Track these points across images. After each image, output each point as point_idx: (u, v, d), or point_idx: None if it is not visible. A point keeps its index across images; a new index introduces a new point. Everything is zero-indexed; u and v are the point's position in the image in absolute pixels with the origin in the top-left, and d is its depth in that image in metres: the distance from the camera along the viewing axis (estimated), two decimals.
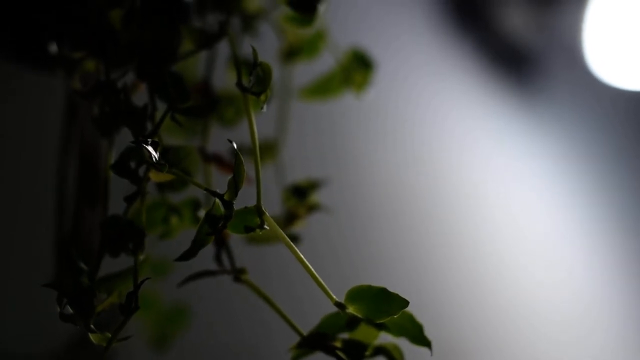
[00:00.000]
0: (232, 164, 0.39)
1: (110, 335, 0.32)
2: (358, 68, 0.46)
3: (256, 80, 0.35)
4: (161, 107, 0.37)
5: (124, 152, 0.35)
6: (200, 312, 0.56)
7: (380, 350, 0.35)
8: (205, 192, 0.34)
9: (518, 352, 0.95)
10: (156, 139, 0.34)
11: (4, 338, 0.54)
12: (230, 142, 0.33)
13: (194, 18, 0.42)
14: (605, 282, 1.15)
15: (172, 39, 0.38)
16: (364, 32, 0.87)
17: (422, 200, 0.93)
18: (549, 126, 1.18)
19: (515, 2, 1.11)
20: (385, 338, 0.36)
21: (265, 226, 0.33)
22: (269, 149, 0.47)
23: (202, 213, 0.38)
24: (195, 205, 0.39)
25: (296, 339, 0.35)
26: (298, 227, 0.43)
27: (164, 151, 0.35)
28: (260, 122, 0.36)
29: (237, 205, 0.33)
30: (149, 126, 0.36)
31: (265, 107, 0.35)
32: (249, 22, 0.43)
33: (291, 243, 0.33)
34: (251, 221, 0.33)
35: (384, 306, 0.33)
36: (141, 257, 0.34)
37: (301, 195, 0.43)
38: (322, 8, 0.40)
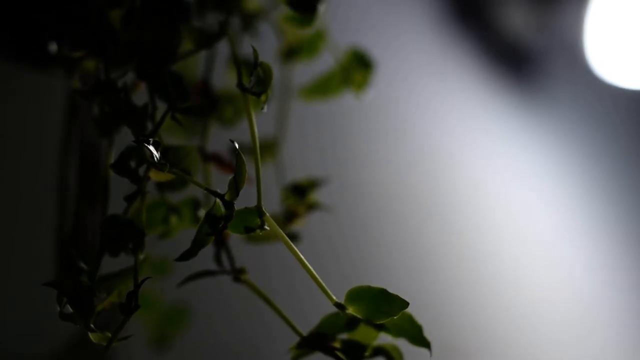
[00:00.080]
0: (232, 164, 0.39)
1: (110, 335, 0.32)
2: (358, 68, 0.46)
3: (256, 80, 0.35)
4: (161, 106, 0.37)
5: (124, 152, 0.35)
6: (200, 311, 0.56)
7: (379, 350, 0.35)
8: (204, 191, 0.34)
9: (518, 352, 0.95)
10: (157, 139, 0.34)
11: (4, 338, 0.54)
12: (232, 142, 0.33)
13: (194, 18, 0.42)
14: (605, 282, 1.15)
15: (172, 39, 0.38)
16: (364, 32, 0.87)
17: (422, 199, 0.93)
18: (549, 125, 1.18)
19: (515, 1, 1.11)
20: (384, 339, 0.36)
21: (266, 227, 0.33)
22: (268, 147, 0.47)
23: (201, 213, 0.38)
24: (195, 204, 0.39)
25: (296, 339, 0.35)
26: (297, 226, 0.43)
27: (164, 151, 0.35)
28: (260, 121, 0.36)
29: (237, 204, 0.33)
30: (149, 126, 0.36)
31: (265, 107, 0.35)
32: (249, 21, 0.43)
33: (291, 244, 0.33)
34: (252, 222, 0.33)
35: (383, 307, 0.33)
36: (141, 257, 0.34)
37: (301, 194, 0.43)
38: (322, 8, 0.40)
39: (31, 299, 0.50)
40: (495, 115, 1.09)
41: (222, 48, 0.41)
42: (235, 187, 0.32)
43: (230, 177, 0.33)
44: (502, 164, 1.07)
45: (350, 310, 0.33)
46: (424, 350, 0.35)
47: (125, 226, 0.35)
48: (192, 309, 0.53)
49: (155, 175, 0.34)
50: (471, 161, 1.02)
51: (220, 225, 0.32)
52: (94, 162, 0.45)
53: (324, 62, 0.47)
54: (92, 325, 0.32)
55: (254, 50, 0.34)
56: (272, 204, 0.36)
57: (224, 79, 0.46)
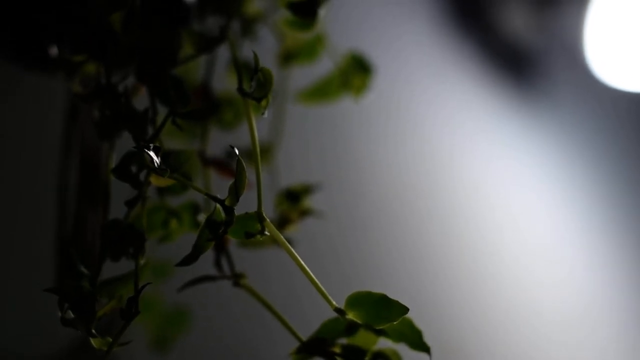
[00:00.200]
0: (232, 168, 0.39)
1: (111, 340, 0.33)
2: (357, 72, 0.46)
3: (257, 85, 0.35)
4: (161, 110, 0.37)
5: (125, 157, 0.35)
6: (201, 315, 0.56)
7: (379, 355, 0.35)
8: (204, 195, 0.34)
9: (519, 352, 0.95)
10: (157, 144, 0.34)
11: (4, 339, 0.54)
12: (232, 148, 0.33)
13: (194, 22, 0.43)
14: (605, 283, 1.15)
15: (172, 43, 0.38)
16: (365, 33, 0.87)
17: (423, 201, 0.93)
18: (549, 127, 1.18)
19: (516, 3, 1.11)
20: (384, 343, 0.36)
21: (266, 232, 0.33)
22: (263, 152, 0.47)
23: (201, 217, 0.38)
24: (195, 209, 0.39)
25: (296, 343, 0.35)
26: (290, 232, 0.43)
27: (164, 156, 0.35)
28: (256, 125, 0.36)
29: (236, 209, 0.33)
30: (150, 130, 0.36)
31: (266, 112, 0.35)
32: (249, 25, 0.43)
33: (291, 249, 0.33)
34: (252, 227, 0.33)
35: (383, 312, 0.33)
36: (142, 261, 0.34)
37: (294, 200, 0.43)
38: (322, 12, 0.40)
39: (31, 300, 0.51)
40: (495, 117, 1.09)
41: (223, 52, 0.41)
42: (236, 192, 0.32)
43: (230, 181, 0.33)
44: (502, 166, 1.07)
45: (350, 316, 0.33)
46: (424, 355, 0.35)
47: (126, 230, 0.35)
48: (192, 312, 0.53)
49: (156, 181, 0.34)
50: (471, 162, 1.02)
51: (221, 231, 0.33)
52: (94, 164, 0.45)
53: (323, 66, 0.47)
54: (93, 331, 0.32)
55: (255, 56, 0.34)
56: (265, 209, 0.36)
57: (224, 82, 0.46)
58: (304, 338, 0.35)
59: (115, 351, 0.33)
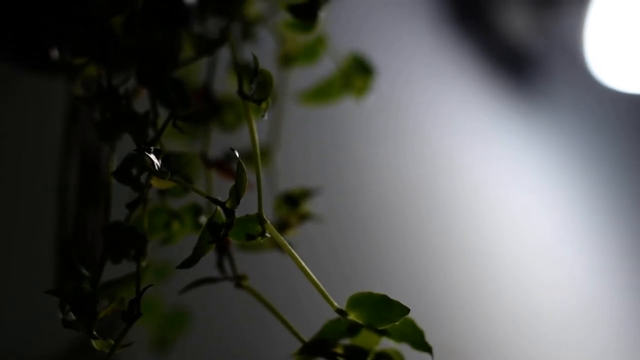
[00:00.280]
0: (234, 170, 0.39)
1: (112, 342, 0.33)
2: (358, 73, 0.46)
3: (257, 87, 0.35)
4: (162, 113, 0.37)
5: (126, 159, 0.35)
6: (202, 316, 0.56)
7: (381, 355, 0.35)
8: (205, 198, 0.34)
9: (519, 352, 0.95)
10: (158, 147, 0.34)
11: (5, 341, 0.54)
12: (233, 150, 0.33)
13: (195, 24, 0.43)
14: (605, 284, 1.15)
15: (173, 45, 0.38)
16: (365, 34, 0.87)
17: (423, 202, 0.93)
18: (549, 128, 1.18)
19: (516, 5, 1.11)
20: (386, 343, 0.36)
21: (267, 234, 0.33)
22: (262, 154, 0.47)
23: (203, 219, 0.38)
24: (196, 210, 0.39)
25: (297, 344, 0.35)
26: (290, 236, 0.43)
27: (165, 158, 0.35)
28: (257, 127, 0.37)
29: (237, 211, 0.33)
30: (151, 132, 0.36)
31: (266, 114, 0.35)
32: (250, 28, 0.43)
33: (293, 251, 0.33)
34: (252, 229, 0.33)
35: (385, 313, 0.33)
36: (143, 264, 0.34)
37: (293, 204, 0.43)
38: (322, 14, 0.40)
39: (31, 300, 0.51)
40: (495, 118, 1.09)
41: (224, 54, 0.41)
42: (236, 195, 0.32)
43: (232, 183, 0.33)
44: (502, 166, 1.07)
45: (352, 316, 0.33)
46: (426, 355, 0.35)
47: (127, 232, 0.35)
48: (193, 313, 0.53)
49: (156, 183, 0.34)
50: (471, 163, 1.02)
51: (222, 233, 0.33)
52: (94, 165, 0.45)
53: (324, 67, 0.47)
54: (94, 333, 0.33)
55: (255, 58, 0.35)
56: (266, 212, 0.36)
57: (225, 84, 0.46)
58: (306, 339, 0.35)
59: (116, 352, 0.33)
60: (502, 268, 0.99)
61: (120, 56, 0.38)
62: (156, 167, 0.33)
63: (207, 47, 0.40)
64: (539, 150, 1.15)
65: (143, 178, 0.35)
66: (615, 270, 1.18)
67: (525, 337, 0.97)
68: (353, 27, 0.83)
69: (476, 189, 1.01)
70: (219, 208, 0.33)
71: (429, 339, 0.35)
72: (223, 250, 0.38)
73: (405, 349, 0.36)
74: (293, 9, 0.39)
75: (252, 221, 0.33)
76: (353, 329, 0.35)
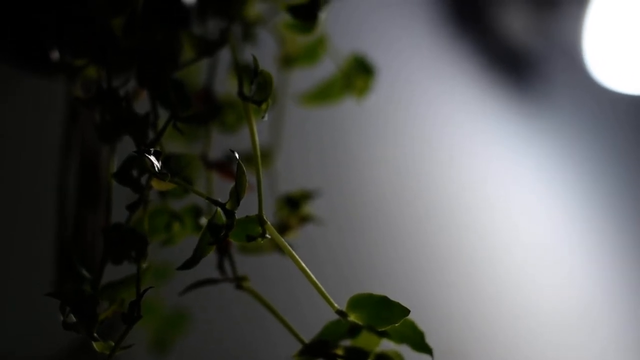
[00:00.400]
0: (234, 171, 0.39)
1: (113, 344, 0.33)
2: (359, 73, 0.46)
3: (257, 88, 0.35)
4: (163, 114, 0.37)
5: (126, 161, 0.35)
6: (201, 317, 0.56)
7: (381, 357, 0.35)
8: (205, 199, 0.34)
9: (519, 354, 0.95)
10: (158, 148, 0.34)
11: (5, 341, 0.54)
12: (232, 152, 0.33)
13: (195, 25, 0.43)
14: (605, 284, 1.15)
15: (173, 46, 0.38)
16: (364, 36, 0.87)
17: (423, 204, 0.93)
18: (549, 129, 1.18)
19: (515, 6, 1.11)
20: (387, 345, 0.36)
21: (267, 235, 0.33)
22: (263, 156, 0.47)
23: (203, 220, 0.38)
24: (197, 212, 0.39)
25: (297, 345, 0.35)
26: (290, 238, 0.43)
27: (166, 159, 0.35)
28: (257, 128, 0.37)
29: (237, 212, 0.33)
30: (151, 134, 0.36)
31: (266, 115, 0.35)
32: (250, 29, 0.43)
33: (293, 252, 0.33)
34: (253, 230, 0.33)
35: (385, 314, 0.33)
36: (144, 265, 0.34)
37: (293, 206, 0.43)
38: (322, 16, 0.40)
39: (31, 300, 0.50)
40: (494, 119, 1.09)
41: (224, 55, 0.41)
42: (236, 196, 0.32)
43: (232, 184, 0.33)
44: (502, 168, 1.07)
45: (352, 318, 0.34)
46: (426, 356, 0.35)
47: (128, 234, 0.35)
48: (193, 314, 0.53)
49: (157, 185, 0.34)
50: (471, 164, 1.02)
51: (222, 234, 0.33)
52: (94, 165, 0.45)
53: (325, 68, 0.47)
54: (95, 334, 0.33)
55: (255, 59, 0.35)
56: (266, 214, 0.36)
57: (226, 85, 0.46)
58: (306, 340, 0.35)
59: (117, 354, 0.33)
60: (501, 269, 0.99)
61: (120, 57, 0.38)
62: (156, 168, 0.33)
63: (208, 48, 0.40)
64: (538, 151, 1.15)
65: (143, 179, 0.35)
66: (615, 270, 1.18)
67: (525, 338, 0.97)
68: (353, 28, 0.83)
69: (476, 189, 1.01)
70: (219, 209, 0.33)
71: (429, 340, 0.35)
72: (223, 252, 0.38)
73: (405, 350, 0.36)
74: (293, 10, 0.40)
75: (252, 222, 0.33)
76: (353, 330, 0.35)
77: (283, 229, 0.43)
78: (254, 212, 0.33)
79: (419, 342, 0.35)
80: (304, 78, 0.48)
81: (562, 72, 1.21)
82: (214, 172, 0.42)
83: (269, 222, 0.33)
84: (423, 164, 0.95)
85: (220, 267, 0.38)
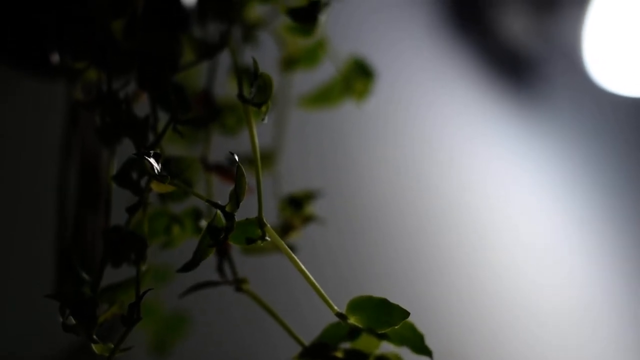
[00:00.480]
0: (234, 173, 0.39)
1: (112, 346, 0.33)
2: (359, 76, 0.46)
3: (257, 91, 0.35)
4: (162, 117, 0.37)
5: (126, 163, 0.35)
6: (201, 319, 0.56)
7: (381, 359, 0.35)
8: (205, 202, 0.34)
9: (519, 355, 0.95)
10: (158, 151, 0.34)
11: (5, 341, 0.54)
12: (232, 154, 0.33)
13: (195, 28, 0.43)
14: (604, 285, 1.15)
15: (173, 49, 0.38)
16: (364, 38, 0.87)
17: (423, 205, 0.93)
18: (549, 131, 1.18)
19: (515, 8, 1.11)
20: (386, 347, 0.36)
21: (267, 238, 0.33)
22: (266, 158, 0.48)
23: (203, 223, 0.38)
24: (197, 215, 0.39)
25: (297, 348, 0.35)
26: (293, 238, 0.43)
27: (165, 162, 0.35)
28: (259, 130, 0.37)
29: (238, 215, 0.33)
30: (151, 136, 0.37)
31: (266, 118, 0.35)
32: (250, 31, 0.43)
33: (293, 255, 0.33)
34: (252, 233, 0.33)
35: (385, 317, 0.33)
36: (143, 267, 0.35)
37: (297, 206, 0.43)
38: (322, 18, 0.40)
39: (31, 301, 0.51)
40: (494, 121, 1.09)
41: (224, 58, 0.41)
42: (236, 198, 0.33)
43: (232, 187, 0.33)
44: (502, 169, 1.07)
45: (352, 320, 0.34)
46: (426, 358, 0.35)
47: (128, 237, 0.35)
48: (192, 317, 0.53)
49: (156, 187, 0.34)
50: (471, 166, 1.02)
51: (222, 237, 0.33)
52: (94, 168, 0.45)
53: (325, 71, 0.47)
54: (94, 336, 0.33)
55: (255, 62, 0.35)
56: (268, 215, 0.36)
57: (226, 88, 0.46)
58: (306, 343, 0.35)
59: (116, 356, 0.33)
60: (501, 270, 0.99)
61: (120, 60, 0.38)
62: (156, 171, 0.33)
63: (208, 51, 0.40)
64: (538, 152, 1.15)
65: (143, 182, 0.35)
66: (615, 271, 1.18)
67: (525, 339, 0.97)
68: (353, 30, 0.83)
69: (476, 191, 1.01)
70: (219, 212, 0.33)
71: (429, 342, 0.35)
72: (223, 254, 0.38)
73: (405, 352, 0.36)
74: (293, 13, 0.40)
75: (252, 225, 0.33)
76: (353, 333, 0.35)
77: (286, 229, 0.43)
78: (254, 214, 0.33)
79: (418, 344, 0.35)
80: (306, 80, 0.48)
81: (561, 74, 1.21)
82: (213, 174, 0.42)
83: (268, 225, 0.33)
84: (423, 165, 0.95)
85: (220, 269, 0.38)
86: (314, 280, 0.33)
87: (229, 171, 0.41)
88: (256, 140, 0.35)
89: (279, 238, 0.33)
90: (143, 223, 0.35)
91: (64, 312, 0.33)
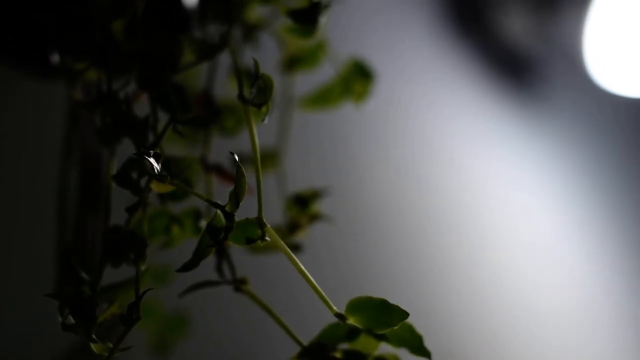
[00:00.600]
0: (233, 175, 0.39)
1: (111, 345, 0.33)
2: (358, 78, 0.46)
3: (257, 91, 0.35)
4: (162, 117, 0.37)
5: (126, 163, 0.35)
6: (201, 320, 0.56)
7: None
8: (205, 201, 0.34)
9: (519, 355, 0.95)
10: (158, 151, 0.34)
11: (5, 342, 0.54)
12: (232, 154, 0.33)
13: (195, 29, 0.43)
14: (604, 285, 1.15)
15: (173, 50, 0.38)
16: (364, 39, 0.87)
17: (423, 206, 0.93)
18: (549, 132, 1.18)
19: (515, 9, 1.11)
20: (385, 348, 0.36)
21: (267, 237, 0.33)
22: (270, 157, 0.48)
23: (203, 223, 0.38)
24: (197, 215, 0.39)
25: (296, 348, 0.35)
26: (300, 237, 0.43)
27: (165, 162, 0.35)
28: (261, 131, 0.37)
29: (239, 214, 0.33)
30: (151, 136, 0.37)
31: (266, 118, 0.35)
32: (250, 32, 0.44)
33: (292, 255, 0.33)
34: (252, 233, 0.33)
35: (384, 317, 0.33)
36: (142, 267, 0.35)
37: (303, 205, 0.43)
38: (323, 19, 0.40)
39: (31, 301, 0.51)
40: (494, 122, 1.09)
41: (224, 58, 0.41)
42: (236, 198, 0.33)
43: (231, 187, 0.33)
44: (502, 170, 1.07)
45: (351, 321, 0.34)
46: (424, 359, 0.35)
47: (127, 236, 0.35)
48: (192, 317, 0.53)
49: (156, 187, 0.34)
50: (471, 167, 1.02)
51: (221, 237, 0.33)
52: (94, 169, 0.45)
53: (324, 72, 0.47)
54: (93, 336, 0.33)
55: (255, 63, 0.35)
56: (274, 214, 0.37)
57: (226, 88, 0.46)
58: (305, 343, 0.35)
59: (116, 355, 0.33)
60: (501, 270, 0.99)
61: (120, 60, 0.38)
62: (156, 170, 0.33)
63: (208, 51, 0.40)
64: (538, 153, 1.15)
65: (143, 182, 0.35)
66: (615, 271, 1.18)
67: (525, 339, 0.97)
68: (353, 31, 0.83)
69: (476, 191, 1.01)
70: (218, 212, 0.33)
71: (428, 343, 0.35)
72: (222, 254, 0.38)
73: (403, 353, 0.36)
74: (294, 14, 0.40)
75: (252, 225, 0.33)
76: (352, 334, 0.35)
77: (293, 228, 0.43)
78: (255, 214, 0.33)
79: (417, 345, 0.35)
80: (304, 82, 0.48)
81: (562, 74, 1.21)
82: (213, 175, 0.42)
83: (268, 225, 0.33)
84: (423, 165, 0.95)
85: (219, 269, 0.38)
86: (313, 281, 0.33)
87: (229, 172, 0.41)
88: (256, 141, 0.35)
89: (278, 238, 0.33)
90: (143, 223, 0.35)
91: (63, 311, 0.33)
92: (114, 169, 0.36)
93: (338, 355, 0.35)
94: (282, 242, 0.34)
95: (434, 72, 1.01)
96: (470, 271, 0.95)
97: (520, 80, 1.16)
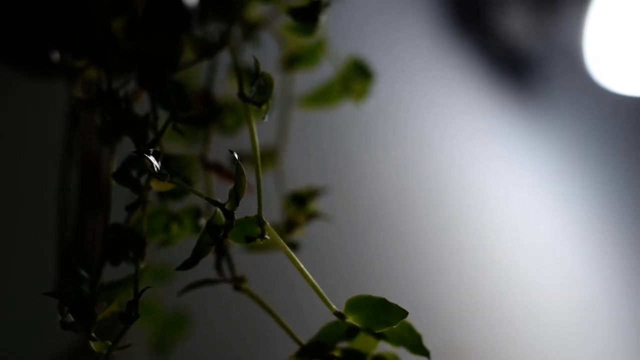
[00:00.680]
0: (232, 173, 0.39)
1: (110, 344, 0.33)
2: (357, 77, 0.46)
3: (258, 90, 0.35)
4: (162, 115, 0.37)
5: (126, 161, 0.35)
6: (201, 318, 0.56)
7: (379, 359, 0.35)
8: (205, 200, 0.34)
9: (518, 355, 0.95)
10: (158, 149, 0.34)
11: (5, 342, 0.54)
12: (232, 152, 0.33)
13: (196, 27, 0.43)
14: (605, 284, 1.15)
15: (173, 48, 0.38)
16: (364, 38, 0.87)
17: (423, 205, 0.93)
18: (549, 131, 1.18)
19: (515, 8, 1.11)
20: (384, 347, 0.36)
21: (266, 236, 0.33)
22: (269, 156, 0.48)
23: (202, 221, 0.38)
24: (196, 213, 0.39)
25: (295, 347, 0.35)
26: (297, 235, 0.43)
27: (165, 160, 0.35)
28: (261, 129, 0.37)
29: (238, 213, 0.33)
30: (151, 135, 0.37)
31: (267, 117, 0.35)
32: (250, 31, 0.44)
33: (292, 253, 0.33)
34: (252, 231, 0.33)
35: (383, 316, 0.33)
36: (142, 266, 0.35)
37: (300, 203, 0.43)
38: (323, 18, 0.40)
39: (31, 301, 0.51)
40: (495, 121, 1.09)
41: (224, 57, 0.41)
42: (235, 197, 0.33)
43: (230, 186, 0.33)
44: (502, 169, 1.07)
45: (350, 319, 0.34)
46: (424, 358, 0.35)
47: (127, 235, 0.35)
48: (192, 316, 0.53)
49: (156, 185, 0.34)
50: (471, 166, 1.02)
51: (221, 235, 0.33)
52: (95, 168, 0.45)
53: (324, 71, 0.47)
54: (93, 334, 0.33)
55: (256, 61, 0.35)
56: (272, 212, 0.37)
57: (226, 87, 0.46)
58: (304, 342, 0.35)
59: (116, 354, 0.33)
60: (501, 270, 0.99)
61: (120, 59, 0.38)
62: (156, 168, 0.33)
63: (208, 50, 0.40)
64: (538, 152, 1.15)
65: (143, 180, 0.35)
66: (615, 271, 1.18)
67: (525, 339, 0.97)
68: (353, 30, 0.83)
69: (476, 190, 1.01)
70: (218, 210, 0.33)
71: (428, 342, 0.35)
72: (222, 252, 0.38)
73: (403, 352, 0.36)
74: (294, 12, 0.40)
75: (251, 223, 0.33)
76: (351, 332, 0.35)
77: (290, 226, 0.43)
78: (255, 213, 0.33)
79: (416, 344, 0.35)
80: (304, 81, 0.48)
81: (562, 73, 1.21)
82: (213, 173, 0.42)
83: (268, 223, 0.33)
84: (423, 165, 0.95)
85: (218, 267, 0.38)
86: (313, 279, 0.33)
87: (228, 170, 0.41)
88: (256, 139, 0.35)
89: (278, 236, 0.34)
90: (142, 221, 0.35)
91: (63, 309, 0.33)
92: (114, 168, 0.36)
93: (337, 354, 0.35)
94: (282, 241, 0.34)
95: (434, 72, 1.01)
96: (470, 271, 0.95)
97: (520, 80, 1.16)
